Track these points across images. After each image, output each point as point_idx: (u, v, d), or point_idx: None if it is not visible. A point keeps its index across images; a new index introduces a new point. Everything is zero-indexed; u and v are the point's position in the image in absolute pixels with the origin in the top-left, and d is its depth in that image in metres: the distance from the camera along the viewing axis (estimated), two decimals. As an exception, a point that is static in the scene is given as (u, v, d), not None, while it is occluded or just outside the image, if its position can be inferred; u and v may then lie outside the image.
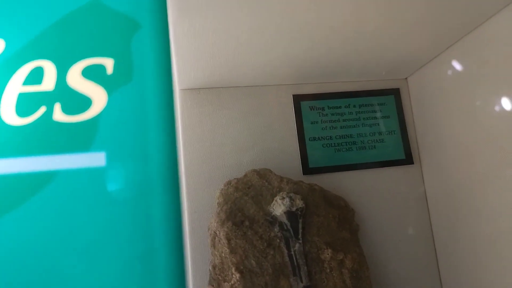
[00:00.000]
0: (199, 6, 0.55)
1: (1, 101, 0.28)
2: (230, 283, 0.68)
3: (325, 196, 0.77)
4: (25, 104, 0.27)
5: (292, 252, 0.71)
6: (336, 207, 0.78)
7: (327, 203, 0.76)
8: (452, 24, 0.66)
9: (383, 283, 0.80)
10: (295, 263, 0.70)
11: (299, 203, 0.72)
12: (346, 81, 0.87)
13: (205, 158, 0.80)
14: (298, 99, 0.85)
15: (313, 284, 0.70)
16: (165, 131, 0.34)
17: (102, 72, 0.28)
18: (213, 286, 0.70)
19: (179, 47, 0.64)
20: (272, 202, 0.73)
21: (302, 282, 0.70)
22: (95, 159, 0.29)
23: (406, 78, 0.89)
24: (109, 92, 0.27)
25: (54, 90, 0.27)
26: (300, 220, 0.72)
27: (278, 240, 0.71)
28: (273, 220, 0.72)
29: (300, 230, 0.71)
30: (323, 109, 0.85)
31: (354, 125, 0.85)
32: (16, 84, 0.28)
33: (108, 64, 0.29)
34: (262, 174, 0.76)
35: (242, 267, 0.68)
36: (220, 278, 0.70)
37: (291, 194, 0.72)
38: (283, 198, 0.72)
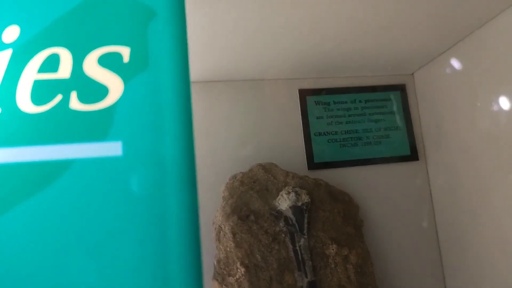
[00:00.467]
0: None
1: (17, 88, 0.27)
2: (235, 278, 0.68)
3: (330, 191, 0.77)
4: (41, 92, 0.26)
5: (297, 247, 0.71)
6: (341, 202, 0.77)
7: (332, 198, 0.76)
8: (461, 19, 0.66)
9: (387, 278, 0.80)
10: (300, 258, 0.70)
11: (305, 198, 0.72)
12: (352, 76, 0.86)
13: (211, 152, 0.80)
14: (304, 94, 0.84)
15: (317, 279, 0.70)
16: (180, 122, 0.33)
17: (119, 60, 0.28)
18: (217, 280, 0.70)
19: (189, 38, 0.63)
20: (277, 196, 0.73)
21: (306, 277, 0.69)
22: (112, 148, 0.28)
23: (412, 74, 0.89)
24: (125, 80, 0.26)
25: (70, 78, 0.27)
26: (306, 215, 0.71)
27: (283, 235, 0.71)
28: (278, 215, 0.71)
29: (306, 225, 0.71)
30: (328, 104, 0.84)
31: (360, 120, 0.84)
32: (32, 71, 0.27)
33: (125, 52, 0.29)
34: (268, 168, 0.75)
35: (247, 262, 0.68)
36: (225, 272, 0.69)
37: (297, 189, 0.72)
38: (289, 192, 0.72)
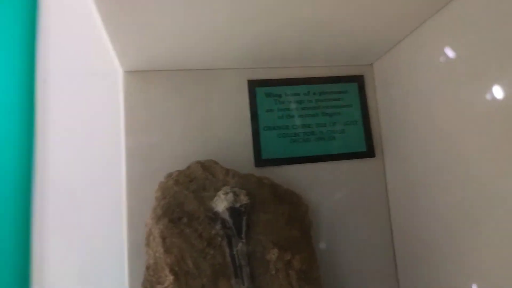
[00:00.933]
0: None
1: None
2: (163, 286, 0.63)
3: (276, 191, 0.72)
4: None
5: (235, 252, 0.65)
6: (287, 203, 0.72)
7: (277, 199, 0.71)
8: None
9: (337, 283, 0.75)
10: (237, 264, 0.65)
11: (244, 198, 0.66)
12: (306, 66, 0.80)
13: (149, 148, 0.74)
14: (253, 85, 0.78)
15: (256, 286, 0.65)
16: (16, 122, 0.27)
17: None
18: None
19: (112, 23, 0.57)
20: (215, 197, 0.67)
21: (244, 284, 0.64)
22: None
23: (371, 64, 0.82)
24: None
25: None
26: (244, 218, 0.66)
27: (219, 239, 0.65)
28: (215, 217, 0.66)
29: (244, 228, 0.66)
30: (280, 96, 0.78)
31: (313, 114, 0.78)
32: None
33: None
34: (207, 166, 0.70)
35: (176, 269, 0.63)
36: (153, 280, 0.64)
37: (236, 189, 0.67)
38: (227, 193, 0.66)
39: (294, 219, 0.71)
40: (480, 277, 0.56)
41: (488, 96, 0.52)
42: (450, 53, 0.59)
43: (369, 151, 0.78)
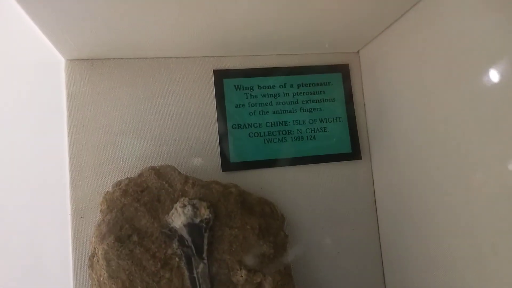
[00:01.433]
0: None
1: None
2: (107, 318, 0.53)
3: (245, 201, 0.61)
4: None
5: (195, 275, 0.55)
6: (258, 214, 0.62)
7: (246, 211, 0.60)
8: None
9: (319, 303, 0.66)
10: (198, 289, 0.55)
11: (205, 212, 0.56)
12: (282, 54, 0.69)
13: (98, 148, 0.63)
14: (220, 76, 0.67)
15: (220, 314, 0.55)
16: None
17: None
18: (89, 318, 0.54)
19: (36, 10, 0.46)
20: (171, 210, 0.57)
21: (205, 313, 0.55)
22: None
23: (357, 52, 0.72)
24: None
25: None
26: (206, 234, 0.56)
27: (177, 259, 0.55)
28: (171, 234, 0.56)
29: (205, 247, 0.56)
30: (251, 89, 0.67)
31: (291, 109, 0.68)
32: None
33: None
34: (162, 173, 0.59)
35: (124, 297, 0.53)
36: (96, 309, 0.54)
37: (195, 201, 0.56)
38: (184, 205, 0.56)
39: (267, 233, 0.61)
40: (469, 280, 0.46)
41: (483, 86, 0.43)
42: (443, 38, 0.49)
43: (354, 153, 0.68)
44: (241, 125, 0.66)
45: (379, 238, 0.68)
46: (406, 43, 0.57)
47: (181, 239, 0.55)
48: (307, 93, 0.68)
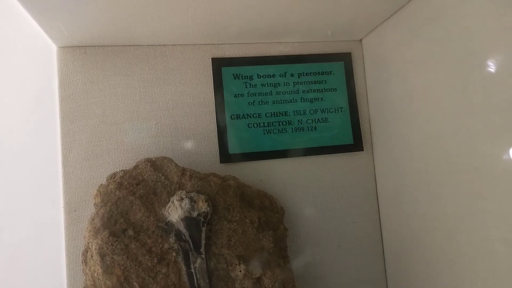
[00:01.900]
0: None
1: None
2: (102, 314, 0.51)
3: (243, 194, 0.59)
4: None
5: (192, 270, 0.54)
6: (258, 207, 0.60)
7: (245, 204, 0.58)
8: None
9: (319, 298, 0.65)
10: (196, 284, 0.53)
11: (203, 206, 0.54)
12: (282, 42, 0.67)
13: (92, 139, 0.61)
14: (218, 64, 0.64)
15: (218, 310, 0.54)
16: None
17: None
18: (84, 314, 0.53)
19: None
20: (168, 203, 0.55)
21: (203, 309, 0.53)
22: None
23: (360, 40, 0.69)
24: None
25: None
26: (204, 229, 0.54)
27: (174, 254, 0.53)
28: (168, 228, 0.54)
29: (203, 241, 0.54)
30: (251, 78, 0.65)
31: (291, 99, 0.66)
32: None
33: None
34: (159, 165, 0.57)
35: (119, 293, 0.51)
36: (90, 306, 0.52)
37: (193, 194, 0.54)
38: (182, 199, 0.54)
39: (266, 227, 0.59)
40: (478, 274, 0.45)
41: (489, 75, 0.41)
42: (450, 26, 0.47)
43: (356, 144, 0.66)
44: (240, 115, 0.64)
45: (381, 231, 0.67)
46: (410, 32, 0.55)
47: (178, 234, 0.54)
48: (308, 83, 0.66)
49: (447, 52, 0.48)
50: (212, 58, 0.64)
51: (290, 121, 0.65)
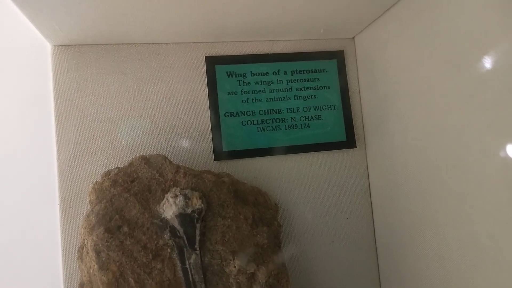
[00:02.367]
0: None
1: None
2: (97, 310, 0.52)
3: (237, 191, 0.60)
4: None
5: (187, 266, 0.54)
6: (252, 204, 0.61)
7: (239, 200, 0.59)
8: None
9: (313, 292, 0.66)
10: (191, 279, 0.54)
11: (197, 203, 0.54)
12: (276, 40, 0.67)
13: (86, 137, 0.61)
14: (212, 62, 0.65)
15: (213, 305, 0.54)
16: None
17: None
18: (80, 310, 0.53)
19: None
20: (162, 200, 0.55)
21: (198, 304, 0.54)
22: None
23: (353, 38, 0.70)
24: None
25: None
26: (198, 225, 0.55)
27: (168, 250, 0.54)
28: (162, 224, 0.54)
29: (198, 238, 0.55)
30: (244, 75, 0.66)
31: (284, 97, 0.66)
32: None
33: None
34: (153, 162, 0.57)
35: (115, 288, 0.52)
36: (86, 302, 0.53)
37: (187, 191, 0.55)
38: (176, 196, 0.54)
39: (260, 223, 0.60)
40: (464, 269, 0.46)
41: (482, 73, 0.42)
42: (442, 23, 0.48)
43: (349, 141, 0.67)
44: (233, 113, 0.64)
45: (374, 227, 0.68)
46: (403, 29, 0.56)
47: (172, 230, 0.54)
48: (301, 80, 0.67)
49: (438, 49, 0.49)
50: (206, 56, 0.65)
51: (283, 119, 0.66)
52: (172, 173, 0.57)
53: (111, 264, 0.52)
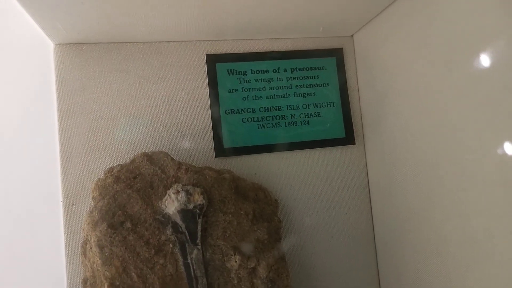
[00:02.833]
0: None
1: None
2: (101, 304, 0.52)
3: (238, 187, 0.61)
4: None
5: (189, 261, 0.55)
6: (252, 200, 0.62)
7: (240, 196, 0.60)
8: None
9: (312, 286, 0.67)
10: (193, 274, 0.55)
11: (199, 198, 0.55)
12: (275, 38, 0.68)
13: (89, 134, 0.62)
14: (213, 60, 0.66)
15: (214, 299, 0.55)
16: None
17: None
18: (84, 304, 0.54)
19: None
20: (164, 196, 0.56)
21: (200, 298, 0.55)
22: None
23: (352, 36, 0.71)
24: None
25: None
26: (200, 220, 0.55)
27: (170, 246, 0.55)
28: (165, 220, 0.55)
29: (199, 233, 0.55)
30: (245, 73, 0.66)
31: (284, 94, 0.67)
32: None
33: None
34: (155, 159, 0.58)
35: (118, 283, 0.53)
36: (90, 296, 0.54)
37: (189, 187, 0.56)
38: (178, 192, 0.55)
39: (261, 218, 0.60)
40: (462, 263, 0.47)
41: (479, 70, 0.42)
42: (440, 21, 0.48)
43: (348, 138, 0.68)
44: (234, 110, 0.65)
45: (373, 222, 0.69)
46: (402, 27, 0.57)
47: (174, 226, 0.55)
48: (301, 78, 0.68)
49: (435, 47, 0.50)
50: (206, 54, 0.66)
51: (283, 116, 0.66)
52: (174, 170, 0.58)
53: (114, 259, 0.53)
